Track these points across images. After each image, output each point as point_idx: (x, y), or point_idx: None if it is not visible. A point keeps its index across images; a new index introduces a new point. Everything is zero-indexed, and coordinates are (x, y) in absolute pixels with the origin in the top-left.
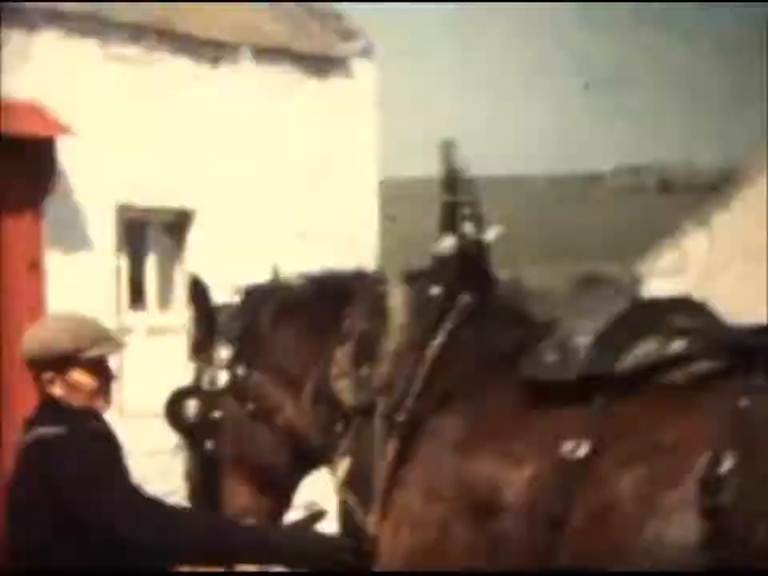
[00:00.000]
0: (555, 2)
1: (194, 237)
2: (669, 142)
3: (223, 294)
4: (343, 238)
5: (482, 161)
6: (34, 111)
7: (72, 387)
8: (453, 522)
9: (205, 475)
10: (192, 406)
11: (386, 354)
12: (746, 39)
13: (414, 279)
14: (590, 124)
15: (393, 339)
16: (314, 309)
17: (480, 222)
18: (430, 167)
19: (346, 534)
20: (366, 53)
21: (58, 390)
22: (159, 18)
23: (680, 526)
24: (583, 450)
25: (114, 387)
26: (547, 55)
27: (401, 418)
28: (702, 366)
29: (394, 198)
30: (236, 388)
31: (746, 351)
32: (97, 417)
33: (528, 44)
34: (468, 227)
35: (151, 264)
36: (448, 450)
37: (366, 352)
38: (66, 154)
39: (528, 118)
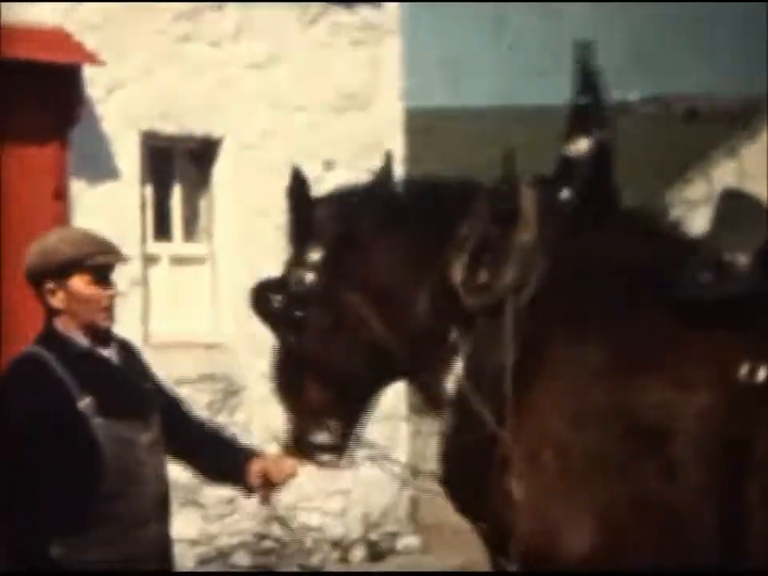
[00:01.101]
0: None
1: (220, 166)
2: (695, 72)
3: (248, 223)
4: (369, 169)
5: (509, 90)
6: (60, 39)
7: (73, 298)
8: (608, 446)
9: (285, 367)
10: (276, 300)
11: (513, 254)
12: None
13: (543, 182)
14: (613, 53)
15: (522, 240)
16: (419, 221)
17: (610, 128)
18: (452, 99)
19: (459, 447)
20: None
21: (58, 303)
22: None
23: None
24: (764, 373)
25: (139, 317)
26: None
27: (527, 322)
28: None
29: (419, 128)
30: (321, 295)
31: None
32: (101, 339)
33: None
34: (600, 132)
35: (176, 193)
36: (594, 372)
37: (488, 255)
38: (92, 82)
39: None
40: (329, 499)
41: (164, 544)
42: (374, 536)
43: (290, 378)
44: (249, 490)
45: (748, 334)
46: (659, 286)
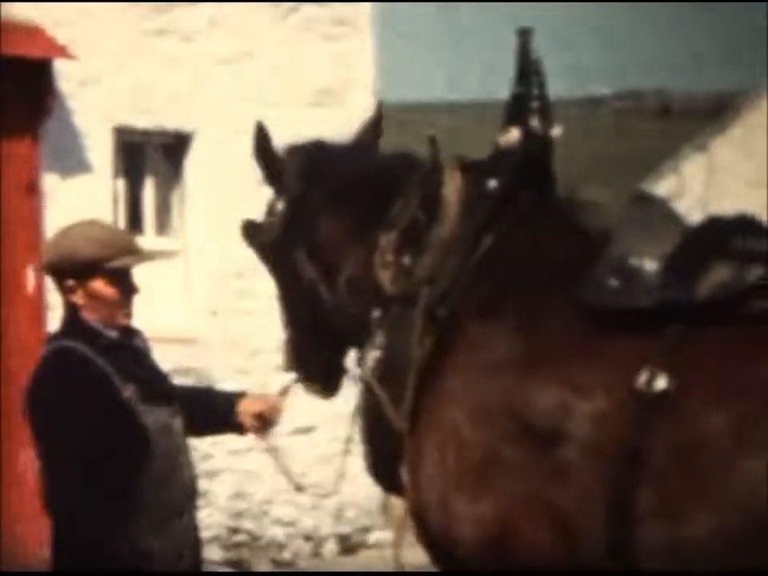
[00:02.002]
0: None
1: (193, 160)
2: (669, 68)
3: (220, 217)
4: None
5: (487, 83)
6: (31, 33)
7: (93, 297)
8: (506, 444)
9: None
10: (257, 240)
11: (433, 244)
12: None
13: (472, 169)
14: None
15: (442, 230)
16: (366, 195)
17: (548, 118)
18: (429, 92)
19: (371, 429)
20: None
21: (78, 300)
22: None
23: None
24: (663, 383)
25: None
26: None
27: (441, 313)
28: None
29: (393, 122)
30: (281, 247)
31: None
32: (125, 332)
33: None
34: (535, 122)
35: (149, 187)
36: (497, 367)
37: (412, 241)
38: (64, 75)
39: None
40: (301, 492)
41: (196, 534)
42: (346, 530)
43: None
44: (243, 431)
45: (649, 342)
46: (568, 288)
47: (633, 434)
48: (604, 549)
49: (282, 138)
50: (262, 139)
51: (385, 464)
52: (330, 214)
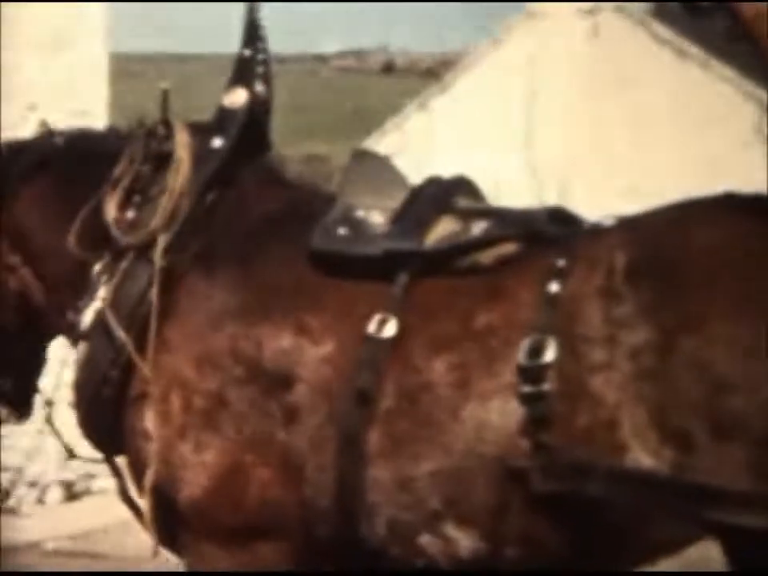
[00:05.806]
0: None
1: None
2: (391, 27)
3: None
4: (73, 114)
5: (219, 39)
6: None
7: None
8: (232, 388)
9: None
10: None
11: (163, 197)
12: None
13: (198, 128)
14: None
15: (171, 183)
16: (70, 165)
17: (270, 83)
18: (161, 44)
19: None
20: None
21: None
22: None
23: (498, 413)
24: (391, 329)
25: None
26: None
27: (163, 263)
28: (507, 248)
29: (126, 73)
30: None
31: (547, 235)
32: None
33: None
34: (260, 86)
35: None
36: (223, 314)
37: (140, 195)
38: None
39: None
40: (23, 438)
41: None
42: (70, 477)
43: None
44: None
45: (378, 290)
46: (293, 235)
47: (363, 377)
48: (334, 488)
49: (13, 83)
50: None
51: (105, 419)
52: (34, 188)
